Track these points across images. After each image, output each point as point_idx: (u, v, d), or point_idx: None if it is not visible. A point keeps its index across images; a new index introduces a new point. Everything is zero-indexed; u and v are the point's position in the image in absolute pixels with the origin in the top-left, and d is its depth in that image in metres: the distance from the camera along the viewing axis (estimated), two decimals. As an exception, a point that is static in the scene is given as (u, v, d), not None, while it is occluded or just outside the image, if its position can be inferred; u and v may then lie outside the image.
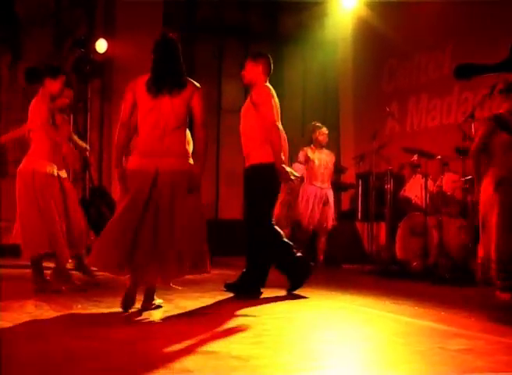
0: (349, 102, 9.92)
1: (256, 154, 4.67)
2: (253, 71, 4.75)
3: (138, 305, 3.85)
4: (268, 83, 4.77)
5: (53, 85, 4.82)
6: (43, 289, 4.66)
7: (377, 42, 9.15)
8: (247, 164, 4.77)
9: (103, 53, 8.53)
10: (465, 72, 2.14)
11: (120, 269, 3.74)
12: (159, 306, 3.93)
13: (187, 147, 4.00)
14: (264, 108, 4.61)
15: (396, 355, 2.82)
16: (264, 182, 4.66)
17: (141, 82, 3.81)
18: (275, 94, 4.73)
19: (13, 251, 5.85)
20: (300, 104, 10.48)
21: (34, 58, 8.78)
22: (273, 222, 4.76)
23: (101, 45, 8.49)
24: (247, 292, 4.63)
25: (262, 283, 4.75)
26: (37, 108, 4.77)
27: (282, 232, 4.80)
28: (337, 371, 2.50)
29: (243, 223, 4.95)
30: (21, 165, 4.81)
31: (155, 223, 3.70)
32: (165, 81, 3.77)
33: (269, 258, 4.77)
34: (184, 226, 3.73)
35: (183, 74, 3.85)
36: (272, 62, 4.84)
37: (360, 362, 2.69)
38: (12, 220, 4.86)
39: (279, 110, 4.73)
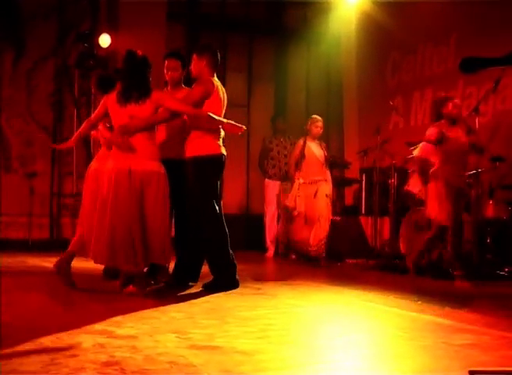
0: (353, 96, 9.89)
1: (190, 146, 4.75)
2: (198, 65, 4.78)
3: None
4: (215, 77, 4.79)
5: None
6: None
7: (381, 36, 9.12)
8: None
9: (106, 48, 8.52)
10: (471, 65, 2.14)
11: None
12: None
13: (156, 149, 4.43)
14: (188, 95, 4.71)
15: (400, 349, 2.82)
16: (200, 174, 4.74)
17: (112, 95, 4.42)
18: (221, 88, 4.78)
19: (17, 246, 5.87)
20: (304, 98, 10.46)
21: (37, 54, 8.78)
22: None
23: (105, 40, 8.48)
24: (224, 287, 4.61)
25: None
26: None
27: None
28: (341, 366, 2.51)
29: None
30: (95, 164, 4.75)
31: (130, 217, 4.19)
32: (131, 93, 4.33)
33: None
34: (153, 220, 4.26)
35: (147, 86, 4.37)
36: (218, 53, 4.85)
37: (364, 357, 2.69)
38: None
39: (224, 104, 4.81)
